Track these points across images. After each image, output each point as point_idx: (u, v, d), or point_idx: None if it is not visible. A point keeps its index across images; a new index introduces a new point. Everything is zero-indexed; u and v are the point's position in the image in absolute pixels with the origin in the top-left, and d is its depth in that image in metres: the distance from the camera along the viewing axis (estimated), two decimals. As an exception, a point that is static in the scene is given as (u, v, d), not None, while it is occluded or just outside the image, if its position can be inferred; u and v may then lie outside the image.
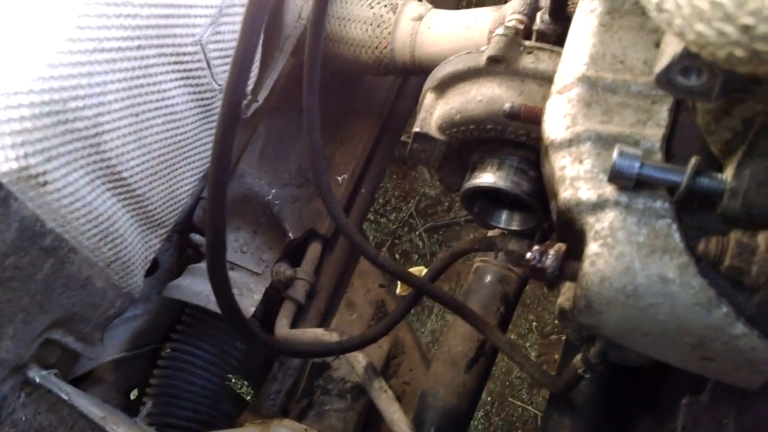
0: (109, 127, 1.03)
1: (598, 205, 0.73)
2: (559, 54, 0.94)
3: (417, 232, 2.79)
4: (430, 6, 1.51)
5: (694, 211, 0.71)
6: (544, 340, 2.56)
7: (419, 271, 2.16)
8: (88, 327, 1.17)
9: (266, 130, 1.67)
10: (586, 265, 0.72)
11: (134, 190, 1.15)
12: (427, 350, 2.29)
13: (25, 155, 0.89)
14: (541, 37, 1.06)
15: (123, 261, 1.18)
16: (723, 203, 0.66)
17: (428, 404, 1.42)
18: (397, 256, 2.77)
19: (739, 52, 0.37)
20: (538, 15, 1.08)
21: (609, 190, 0.72)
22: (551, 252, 0.78)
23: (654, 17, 0.42)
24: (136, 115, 1.09)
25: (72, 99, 0.94)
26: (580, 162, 0.76)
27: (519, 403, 2.51)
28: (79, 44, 0.93)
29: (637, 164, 0.69)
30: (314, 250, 1.64)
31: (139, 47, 1.03)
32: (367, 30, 1.49)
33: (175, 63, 1.14)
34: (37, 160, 0.91)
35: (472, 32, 1.39)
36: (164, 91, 1.13)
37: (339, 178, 1.69)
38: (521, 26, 1.11)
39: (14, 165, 0.88)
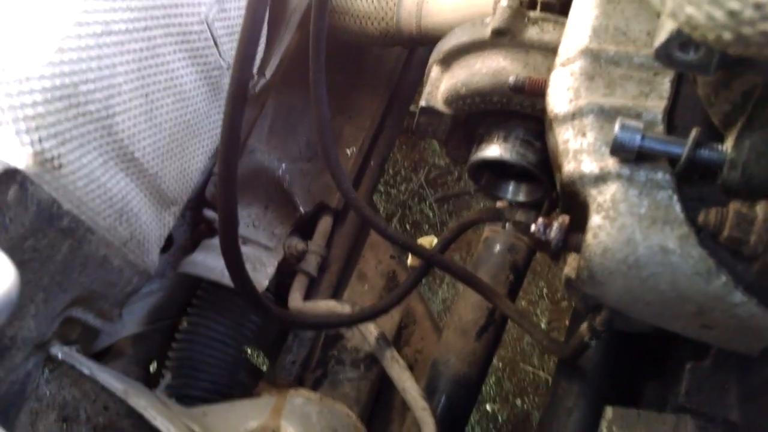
0: (120, 109, 1.05)
1: (601, 178, 0.74)
2: (563, 24, 0.94)
3: (427, 202, 2.80)
4: (436, -24, 1.50)
5: (695, 183, 0.72)
6: (554, 306, 2.58)
7: (430, 240, 2.18)
8: (106, 304, 1.21)
9: (274, 105, 1.68)
10: (589, 236, 0.74)
11: (147, 169, 1.17)
12: (439, 319, 2.32)
13: (40, 139, 0.91)
14: (546, 7, 1.06)
15: (138, 239, 1.21)
16: (723, 174, 0.68)
17: (439, 372, 1.45)
18: (407, 227, 2.78)
19: (727, 36, 0.38)
20: (543, -15, 1.07)
21: (611, 163, 0.73)
22: (555, 224, 0.79)
23: (648, -2, 0.43)
24: (146, 95, 1.10)
25: (83, 82, 0.96)
26: (583, 135, 0.77)
27: (530, 368, 2.54)
28: (87, 28, 0.94)
29: (638, 137, 0.70)
30: (325, 223, 1.66)
31: (146, 28, 1.04)
32: (372, 1, 1.49)
33: (183, 42, 1.15)
34: (52, 144, 0.93)
35: (478, 1, 1.38)
36: (172, 70, 1.15)
37: (348, 151, 1.71)
38: (526, -4, 1.11)
39: (29, 150, 0.90)
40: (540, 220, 0.80)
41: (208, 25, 1.18)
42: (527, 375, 2.52)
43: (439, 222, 2.74)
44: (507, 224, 1.55)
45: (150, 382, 1.55)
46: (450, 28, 1.39)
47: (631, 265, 0.71)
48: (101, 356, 1.43)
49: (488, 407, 2.53)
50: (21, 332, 1.01)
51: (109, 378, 1.13)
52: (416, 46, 1.67)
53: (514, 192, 1.17)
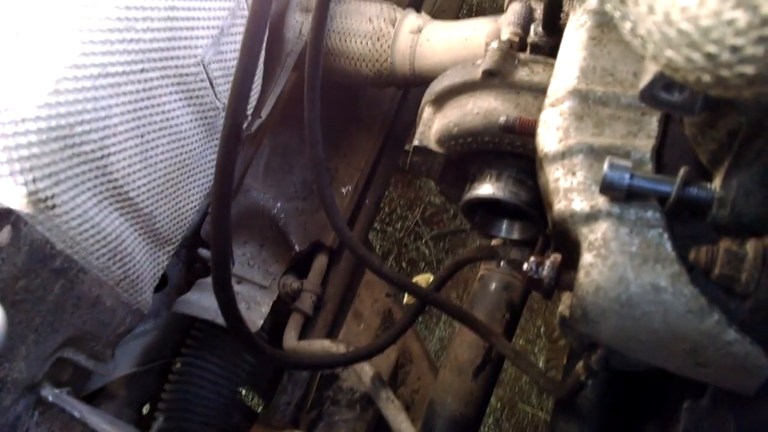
0: (115, 149, 1.05)
1: (591, 216, 0.74)
2: (552, 66, 0.95)
3: (423, 240, 2.81)
4: (429, 18, 1.53)
5: (686, 220, 0.72)
6: (552, 344, 2.56)
7: (426, 278, 2.18)
8: (99, 345, 1.20)
9: (270, 144, 1.70)
10: (581, 275, 0.73)
11: (141, 209, 1.17)
12: (436, 358, 2.30)
13: (34, 180, 0.92)
14: (536, 49, 1.08)
15: (132, 279, 1.21)
16: (712, 212, 0.68)
17: (436, 413, 1.43)
18: (404, 265, 2.78)
19: (706, 78, 0.38)
20: (532, 27, 1.09)
21: (601, 201, 0.74)
22: (547, 263, 0.79)
23: (629, 41, 0.44)
24: (142, 136, 1.11)
25: (78, 123, 0.97)
26: (573, 174, 0.77)
27: (529, 408, 2.51)
28: (84, 70, 0.95)
29: (627, 176, 0.70)
30: (320, 261, 1.66)
31: (142, 70, 1.06)
32: (367, 44, 1.52)
33: (179, 84, 1.16)
34: (46, 184, 0.94)
35: (470, 43, 1.41)
36: (168, 111, 1.16)
37: (343, 190, 1.71)
38: (516, 38, 1.12)
39: (23, 190, 0.90)
40: (532, 258, 0.80)
41: (204, 67, 1.20)
42: (526, 415, 2.48)
43: (435, 260, 2.74)
44: (502, 262, 1.55)
45: (143, 424, 1.53)
46: (443, 70, 1.41)
47: (624, 303, 0.71)
48: (93, 397, 1.41)
49: (487, 448, 2.50)
50: (11, 374, 1.00)
51: (99, 421, 1.12)
52: (410, 87, 1.69)
53: (507, 230, 1.18)
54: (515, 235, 1.17)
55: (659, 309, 0.69)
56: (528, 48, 1.09)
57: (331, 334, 1.66)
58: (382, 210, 2.86)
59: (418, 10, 1.61)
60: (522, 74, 1.04)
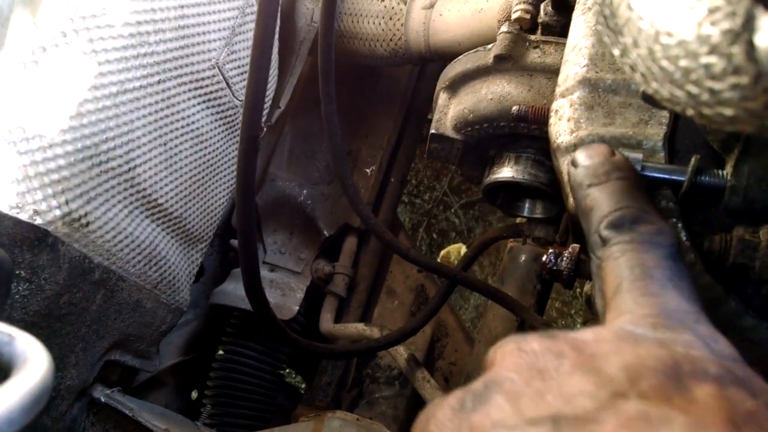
0: (140, 161, 1.09)
1: (606, 208, 0.75)
2: (564, 46, 0.94)
3: (452, 210, 2.81)
4: (440, -9, 1.51)
5: (700, 206, 0.72)
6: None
7: (458, 248, 2.19)
8: (143, 344, 1.26)
9: (291, 131, 1.72)
10: (598, 266, 0.74)
11: (171, 213, 1.21)
12: (473, 326, 2.33)
13: (67, 201, 0.96)
14: (547, 29, 1.06)
15: (169, 280, 1.25)
16: (725, 200, 0.68)
17: (472, 386, 1.47)
18: (435, 236, 2.80)
19: (690, 112, 0.39)
20: (542, 6, 1.08)
21: (615, 193, 0.74)
22: (566, 254, 0.80)
23: (618, 62, 0.44)
24: (165, 144, 1.14)
25: (103, 141, 1.00)
26: (586, 165, 0.77)
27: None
28: (103, 90, 0.98)
29: (638, 168, 0.70)
30: (350, 243, 1.69)
31: (159, 81, 1.08)
32: (379, 24, 1.51)
33: (196, 89, 1.18)
34: (78, 204, 0.98)
35: (484, 15, 1.39)
36: (188, 117, 1.19)
37: (367, 170, 1.73)
38: (527, 16, 1.11)
39: (57, 212, 0.94)
40: (551, 250, 0.81)
41: (219, 68, 1.22)
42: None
43: (465, 228, 2.75)
44: (527, 239, 1.56)
45: (192, 410, 1.60)
46: (458, 44, 1.41)
47: (641, 293, 0.72)
48: (144, 388, 1.48)
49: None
50: (64, 382, 1.06)
51: (150, 417, 1.18)
52: (427, 63, 1.68)
53: (530, 210, 1.18)
54: (538, 214, 1.18)
55: (676, 298, 0.70)
56: (539, 28, 1.08)
57: (366, 313, 1.70)
58: (408, 182, 2.87)
59: (429, -16, 1.59)
60: (534, 56, 1.03)
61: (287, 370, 1.85)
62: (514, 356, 0.41)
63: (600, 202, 0.57)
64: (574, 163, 0.63)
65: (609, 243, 0.53)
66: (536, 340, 0.41)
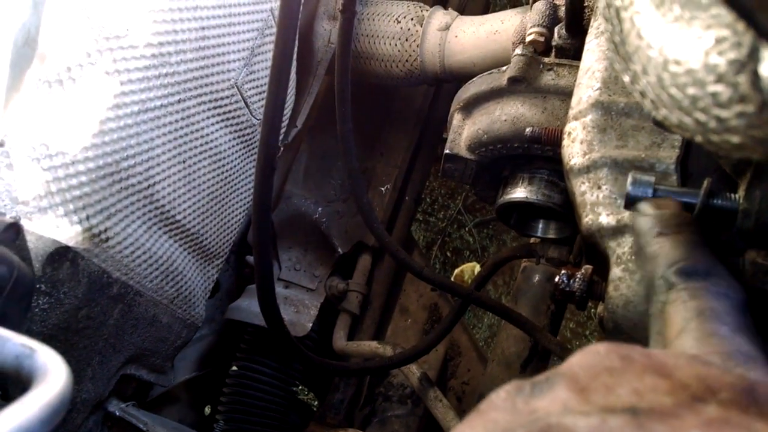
0: (159, 178, 1.11)
1: (618, 230, 0.75)
2: (578, 68, 0.95)
3: (467, 228, 2.82)
4: (456, 13, 1.53)
5: (714, 228, 0.73)
6: (603, 325, 2.55)
7: (472, 267, 2.20)
8: (158, 359, 1.27)
9: (308, 149, 1.74)
10: (611, 288, 0.75)
11: (189, 229, 1.23)
12: (487, 344, 2.33)
13: (87, 217, 0.98)
14: (560, 52, 1.08)
15: (185, 295, 1.27)
16: (738, 223, 0.68)
17: (485, 406, 1.46)
18: (449, 254, 2.80)
19: (698, 138, 0.39)
20: (556, 30, 1.09)
21: (627, 216, 0.75)
22: (578, 275, 0.81)
23: (629, 88, 0.45)
24: (184, 161, 1.16)
25: (123, 159, 1.02)
26: (599, 188, 0.78)
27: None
28: (125, 108, 1.01)
29: (650, 191, 0.71)
30: (364, 261, 1.70)
31: (179, 101, 1.11)
32: (395, 45, 1.53)
33: (215, 108, 1.21)
34: (98, 220, 1.00)
35: (499, 37, 1.41)
36: (207, 135, 1.21)
37: (382, 189, 1.74)
38: (541, 39, 1.12)
39: (78, 228, 0.96)
40: (563, 271, 0.82)
41: (238, 88, 1.24)
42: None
43: (479, 247, 2.75)
44: (540, 260, 1.56)
45: (205, 425, 1.61)
46: (473, 65, 1.42)
47: (654, 315, 0.72)
48: (158, 402, 1.50)
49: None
50: (80, 395, 1.07)
51: (164, 431, 1.19)
52: (442, 84, 1.70)
53: (543, 230, 1.19)
54: (551, 235, 1.18)
55: (688, 321, 0.70)
56: (553, 51, 1.09)
57: (379, 331, 1.70)
58: (423, 200, 2.88)
59: (444, 6, 1.62)
60: (547, 78, 1.05)
61: (300, 387, 1.86)
62: (577, 357, 0.40)
63: (669, 251, 0.58)
64: (639, 211, 0.64)
65: (676, 287, 0.53)
66: (602, 344, 0.40)
